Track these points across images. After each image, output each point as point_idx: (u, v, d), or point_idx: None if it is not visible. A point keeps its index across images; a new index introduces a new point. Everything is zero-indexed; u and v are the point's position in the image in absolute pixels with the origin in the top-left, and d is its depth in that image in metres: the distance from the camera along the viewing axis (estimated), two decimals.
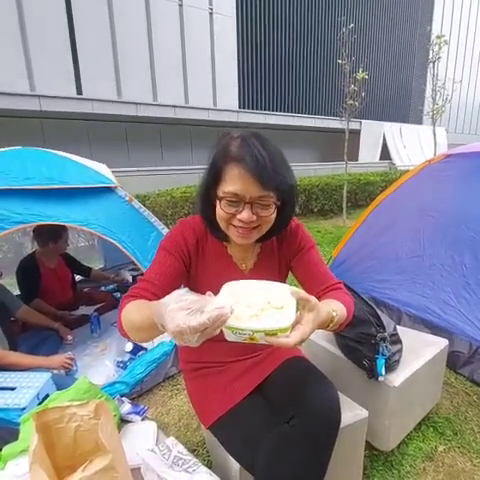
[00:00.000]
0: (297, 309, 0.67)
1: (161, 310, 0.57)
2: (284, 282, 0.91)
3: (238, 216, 0.80)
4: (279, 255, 0.99)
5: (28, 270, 2.20)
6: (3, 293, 1.91)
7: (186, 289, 0.60)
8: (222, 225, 0.85)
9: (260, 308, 0.65)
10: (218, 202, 0.81)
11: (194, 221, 0.94)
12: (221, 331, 0.59)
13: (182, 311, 0.54)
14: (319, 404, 0.83)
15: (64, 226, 2.10)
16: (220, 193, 0.80)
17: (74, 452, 0.72)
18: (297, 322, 0.66)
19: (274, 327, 0.60)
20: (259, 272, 0.93)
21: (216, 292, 0.64)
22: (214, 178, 0.82)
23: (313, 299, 0.68)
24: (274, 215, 0.84)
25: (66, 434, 0.72)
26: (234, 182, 0.78)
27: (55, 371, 1.74)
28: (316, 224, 5.93)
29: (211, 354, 1.02)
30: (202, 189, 0.87)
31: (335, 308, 0.80)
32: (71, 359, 1.75)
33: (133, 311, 0.74)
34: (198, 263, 0.93)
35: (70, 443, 0.72)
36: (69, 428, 0.72)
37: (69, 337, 2.07)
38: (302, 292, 0.68)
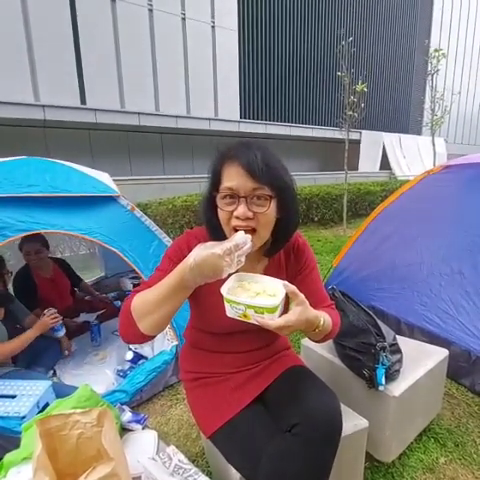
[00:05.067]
0: (289, 303, 0.79)
1: (196, 253, 0.72)
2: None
3: (235, 213, 0.81)
4: (287, 269, 1.00)
5: (23, 282, 2.17)
6: (11, 301, 1.92)
7: (203, 243, 0.77)
8: (226, 230, 0.86)
9: (256, 292, 0.78)
10: (218, 202, 0.84)
11: (199, 231, 0.96)
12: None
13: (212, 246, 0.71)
14: (320, 412, 0.83)
15: (32, 237, 2.00)
16: (218, 191, 0.84)
17: (76, 459, 0.73)
18: (286, 312, 0.76)
19: (261, 304, 0.72)
20: None
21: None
22: (214, 181, 0.86)
23: (301, 295, 0.78)
24: (270, 212, 0.83)
25: (68, 441, 0.72)
26: (229, 178, 0.81)
27: (54, 379, 1.76)
28: (316, 233, 5.95)
29: (210, 365, 1.03)
30: (205, 197, 0.90)
31: (323, 316, 0.87)
32: (53, 314, 1.83)
33: (147, 292, 0.81)
34: None
35: (72, 450, 0.73)
36: (72, 435, 0.72)
37: (67, 352, 2.07)
38: (292, 287, 0.77)
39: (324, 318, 0.86)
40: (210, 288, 0.83)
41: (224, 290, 0.75)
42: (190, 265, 0.72)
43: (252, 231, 0.82)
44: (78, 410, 0.75)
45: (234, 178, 0.80)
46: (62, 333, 1.93)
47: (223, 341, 0.99)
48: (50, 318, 1.83)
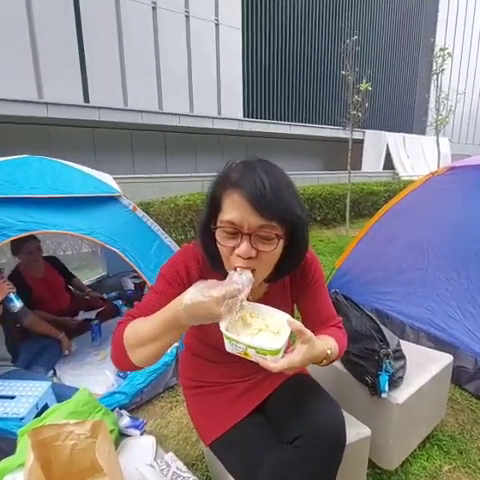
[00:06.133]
0: (293, 341, 0.72)
1: (192, 294, 0.63)
2: (292, 313, 0.95)
3: (236, 250, 0.71)
4: (291, 287, 0.94)
5: (15, 285, 2.13)
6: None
7: (203, 280, 0.67)
8: (226, 265, 0.76)
9: (258, 328, 0.71)
10: (218, 235, 0.74)
11: (198, 249, 0.85)
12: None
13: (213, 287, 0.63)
14: (324, 426, 0.80)
15: (28, 236, 1.92)
16: (217, 223, 0.73)
17: (70, 470, 0.71)
18: (289, 351, 0.70)
19: (264, 347, 0.66)
20: (269, 303, 0.84)
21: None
22: (213, 207, 0.75)
23: (308, 333, 0.70)
24: (276, 251, 0.73)
25: (62, 452, 0.71)
26: (231, 210, 0.70)
27: (54, 379, 1.73)
28: (319, 233, 5.91)
29: (210, 374, 1.00)
30: (202, 222, 0.79)
31: (330, 346, 0.81)
32: (6, 281, 1.76)
33: (140, 323, 0.75)
34: None
35: (66, 461, 0.71)
36: (65, 446, 0.71)
37: (67, 352, 2.05)
38: (298, 324, 0.70)
39: (331, 349, 0.81)
40: None
41: (223, 326, 0.67)
42: (185, 305, 0.63)
43: (251, 271, 0.73)
44: (72, 421, 0.74)
45: (236, 210, 0.69)
46: (18, 304, 1.78)
47: (222, 352, 0.96)
48: (5, 284, 1.73)
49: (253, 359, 0.67)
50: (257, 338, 0.69)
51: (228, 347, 0.69)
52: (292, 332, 0.70)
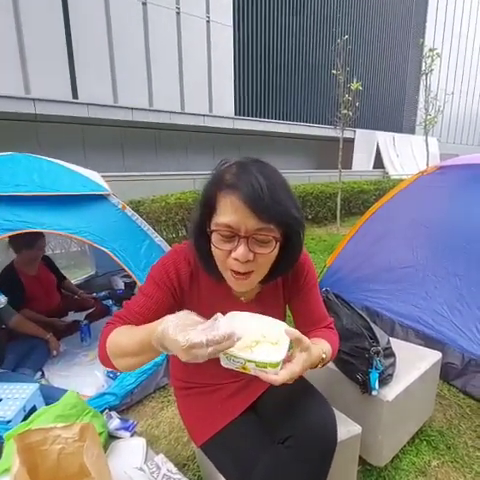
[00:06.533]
0: (290, 348, 0.69)
1: (165, 326, 0.59)
2: (284, 314, 0.95)
3: (233, 254, 0.70)
4: (283, 288, 0.93)
5: (8, 281, 2.09)
6: None
7: (188, 311, 0.63)
8: (221, 267, 0.76)
9: (255, 340, 0.66)
10: (213, 237, 0.72)
11: (189, 251, 0.84)
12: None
13: (190, 327, 0.58)
14: (316, 427, 0.80)
15: (40, 232, 2.04)
16: (212, 226, 0.71)
17: (57, 474, 0.70)
18: (288, 360, 0.68)
19: (264, 360, 0.62)
20: (261, 304, 0.83)
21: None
22: (207, 209, 0.73)
23: (306, 341, 0.69)
24: (273, 254, 0.73)
25: (49, 456, 0.69)
26: (227, 213, 0.68)
27: (42, 381, 1.70)
28: (310, 231, 5.94)
29: (201, 375, 0.99)
30: (195, 224, 0.77)
31: (325, 350, 0.82)
32: None
33: (122, 334, 0.73)
34: (192, 296, 0.86)
35: (53, 465, 0.69)
36: (53, 450, 0.69)
37: (55, 352, 2.01)
38: (297, 332, 0.68)
39: (326, 353, 0.82)
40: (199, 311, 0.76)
41: None
42: (157, 335, 0.61)
43: (248, 274, 0.72)
44: (59, 424, 0.72)
45: (233, 213, 0.68)
46: (2, 299, 1.69)
47: None
48: None
49: (252, 373, 0.64)
50: (256, 351, 0.64)
51: (223, 362, 0.64)
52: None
